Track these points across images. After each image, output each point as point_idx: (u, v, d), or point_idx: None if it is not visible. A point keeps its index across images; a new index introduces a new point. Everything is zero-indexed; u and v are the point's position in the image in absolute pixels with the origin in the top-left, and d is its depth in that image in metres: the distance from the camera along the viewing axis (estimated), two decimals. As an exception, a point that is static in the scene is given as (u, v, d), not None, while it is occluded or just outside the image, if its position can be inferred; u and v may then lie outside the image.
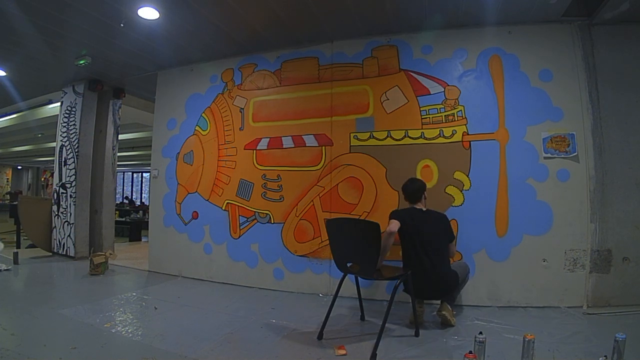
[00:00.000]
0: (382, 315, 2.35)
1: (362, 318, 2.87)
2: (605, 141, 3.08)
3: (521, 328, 2.54)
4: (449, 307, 2.66)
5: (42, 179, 19.97)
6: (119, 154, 5.66)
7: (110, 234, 5.45)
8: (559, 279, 3.07)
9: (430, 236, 2.66)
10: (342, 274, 2.59)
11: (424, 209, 2.83)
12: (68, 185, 5.11)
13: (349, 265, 2.58)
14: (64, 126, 5.25)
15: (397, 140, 3.46)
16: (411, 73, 3.48)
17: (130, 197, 14.87)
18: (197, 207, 4.21)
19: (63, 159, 5.22)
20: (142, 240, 7.73)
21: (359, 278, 2.77)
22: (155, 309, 3.04)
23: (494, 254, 3.18)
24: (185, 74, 4.46)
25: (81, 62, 4.32)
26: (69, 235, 5.01)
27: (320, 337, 2.46)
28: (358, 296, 2.86)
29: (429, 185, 3.32)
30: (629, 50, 3.11)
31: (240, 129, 4.05)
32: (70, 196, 5.05)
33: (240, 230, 3.95)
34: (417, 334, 2.53)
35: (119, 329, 2.60)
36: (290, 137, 3.80)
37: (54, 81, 5.20)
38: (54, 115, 6.09)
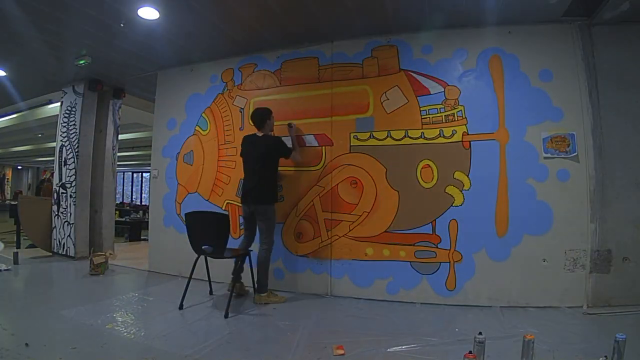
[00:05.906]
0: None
1: (211, 292, 3.54)
2: (605, 141, 3.08)
3: (521, 328, 2.54)
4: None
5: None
6: (119, 154, 5.66)
7: (110, 234, 5.45)
8: (559, 279, 3.07)
9: (254, 158, 3.33)
10: (198, 257, 3.19)
11: (260, 135, 3.39)
12: (68, 185, 5.11)
13: (203, 248, 3.10)
14: (64, 126, 5.24)
15: (397, 140, 3.46)
16: (411, 73, 3.47)
17: (130, 201, 14.84)
18: (197, 207, 4.18)
19: (63, 159, 5.22)
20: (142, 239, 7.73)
21: (208, 259, 3.42)
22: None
23: (494, 254, 3.18)
24: (185, 74, 4.46)
25: (81, 62, 4.32)
26: (69, 235, 5.01)
27: (181, 307, 3.05)
28: (208, 275, 3.53)
29: (429, 186, 3.34)
30: (629, 50, 3.11)
31: (240, 129, 4.05)
32: (70, 196, 5.05)
33: (240, 230, 3.95)
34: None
35: (119, 329, 2.60)
36: (290, 137, 3.79)
37: (54, 81, 5.19)
38: (54, 115, 6.09)
